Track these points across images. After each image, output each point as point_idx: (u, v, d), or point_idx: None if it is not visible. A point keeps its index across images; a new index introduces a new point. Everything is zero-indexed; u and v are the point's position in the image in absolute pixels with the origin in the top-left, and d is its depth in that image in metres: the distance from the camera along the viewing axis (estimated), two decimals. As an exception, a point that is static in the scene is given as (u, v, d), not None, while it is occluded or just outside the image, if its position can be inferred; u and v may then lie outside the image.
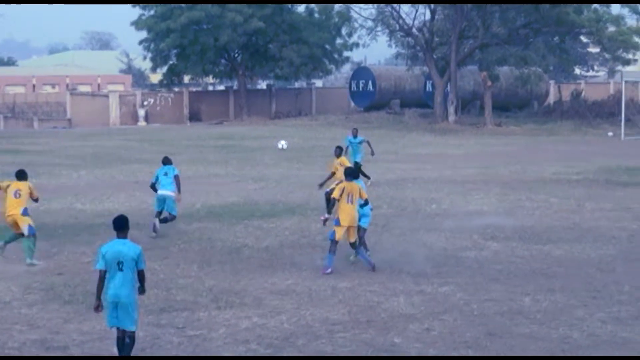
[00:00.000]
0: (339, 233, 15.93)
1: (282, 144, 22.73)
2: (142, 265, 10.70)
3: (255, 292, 14.68)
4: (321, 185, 21.49)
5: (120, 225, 10.75)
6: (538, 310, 13.55)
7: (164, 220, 19.57)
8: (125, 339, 10.83)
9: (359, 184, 16.36)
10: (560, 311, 13.50)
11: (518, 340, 12.15)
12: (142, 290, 10.90)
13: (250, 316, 13.31)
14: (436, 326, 12.77)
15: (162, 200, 19.64)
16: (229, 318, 13.23)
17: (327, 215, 16.55)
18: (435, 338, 12.26)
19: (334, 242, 16.00)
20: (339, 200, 15.88)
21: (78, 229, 20.40)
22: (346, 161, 21.75)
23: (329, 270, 15.89)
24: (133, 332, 10.81)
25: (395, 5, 55.64)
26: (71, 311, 13.65)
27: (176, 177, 19.80)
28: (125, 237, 10.75)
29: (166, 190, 19.66)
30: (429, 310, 13.59)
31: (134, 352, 11.20)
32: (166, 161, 20.23)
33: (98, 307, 10.79)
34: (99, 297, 10.77)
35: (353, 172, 16.66)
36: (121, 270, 10.56)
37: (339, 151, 22.03)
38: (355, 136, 27.41)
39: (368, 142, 27.73)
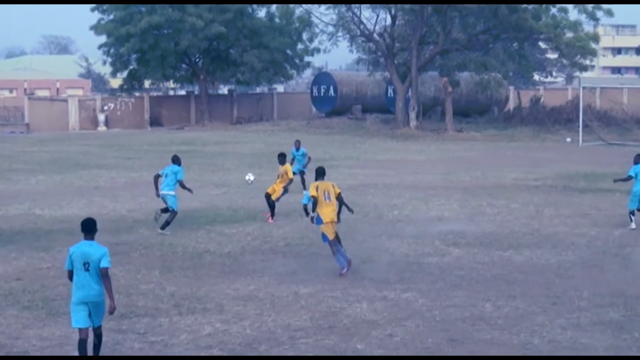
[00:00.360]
0: (329, 231, 16.30)
1: (250, 177, 22.76)
2: (105, 264, 10.90)
3: (217, 298, 14.63)
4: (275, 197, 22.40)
5: (88, 227, 11.06)
6: (499, 316, 13.64)
7: (165, 210, 20.62)
8: (94, 339, 11.06)
9: (333, 183, 16.87)
10: (521, 317, 13.60)
11: (479, 346, 12.22)
12: (103, 280, 11.02)
13: (212, 322, 13.26)
14: (399, 332, 12.80)
15: (164, 199, 20.56)
16: (191, 324, 13.17)
17: (312, 214, 16.73)
18: (398, 344, 12.29)
19: (332, 242, 16.34)
20: (317, 198, 16.30)
21: (37, 235, 20.20)
22: (290, 169, 22.86)
23: (345, 270, 16.16)
24: (100, 327, 11.12)
25: (356, 11, 55.75)
26: (30, 317, 13.53)
27: (180, 183, 20.69)
28: (92, 238, 11.04)
29: (165, 191, 20.47)
30: (391, 316, 13.62)
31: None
32: (174, 160, 20.91)
33: None
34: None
35: (322, 171, 16.95)
36: (87, 270, 10.84)
37: (282, 159, 22.64)
38: (297, 149, 27.61)
39: (309, 157, 27.74)
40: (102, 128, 59.46)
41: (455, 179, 31.47)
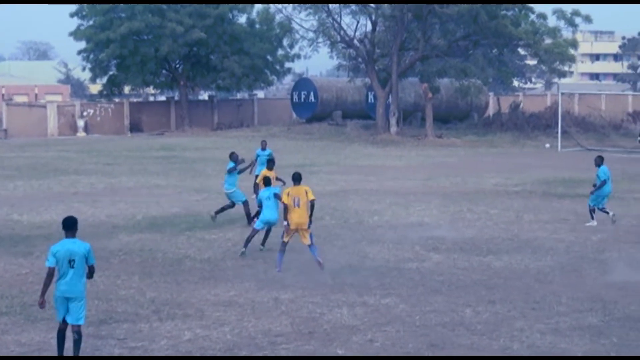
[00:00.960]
0: (287, 234, 16.95)
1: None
2: (92, 261, 11.29)
3: (197, 304, 14.60)
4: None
5: (69, 225, 11.33)
6: (479, 321, 13.68)
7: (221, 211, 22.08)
8: (74, 335, 11.23)
9: (306, 187, 17.14)
10: (501, 322, 13.64)
11: (459, 351, 12.25)
12: (90, 276, 11.39)
13: (193, 328, 13.23)
14: (379, 337, 12.81)
15: (229, 197, 21.97)
16: (171, 330, 13.14)
17: (285, 223, 17.20)
18: (378, 349, 12.30)
19: (283, 242, 17.02)
20: (287, 204, 16.88)
21: (15, 241, 20.09)
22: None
23: (278, 269, 16.83)
24: (80, 327, 11.30)
25: (336, 17, 55.85)
26: (9, 322, 13.46)
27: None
28: (73, 236, 11.29)
29: (225, 189, 22.14)
30: (371, 321, 13.63)
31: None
32: (230, 157, 22.19)
33: (42, 304, 11.22)
34: (43, 294, 11.18)
35: (298, 177, 17.23)
36: (72, 267, 11.12)
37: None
38: (264, 149, 27.48)
39: (273, 158, 27.26)
40: (81, 134, 59.22)
41: (435, 184, 31.55)
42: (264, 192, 18.46)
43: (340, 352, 12.14)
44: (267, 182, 18.89)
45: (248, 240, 18.58)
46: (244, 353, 12.09)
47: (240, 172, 22.74)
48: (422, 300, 14.89)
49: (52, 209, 24.89)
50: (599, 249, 19.55)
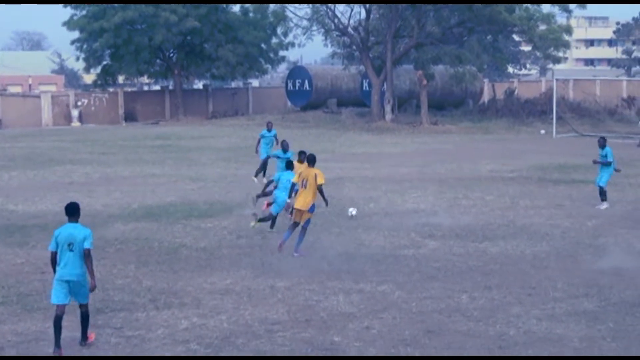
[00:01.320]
0: (294, 215, 17.32)
1: (352, 211, 22.17)
2: (88, 245, 11.53)
3: (194, 292, 14.61)
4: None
5: (72, 210, 11.75)
6: (475, 307, 13.70)
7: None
8: (80, 315, 11.77)
9: (316, 170, 17.26)
10: (497, 308, 13.67)
11: (456, 337, 12.28)
12: (86, 261, 11.56)
13: (189, 316, 13.24)
14: (375, 324, 12.83)
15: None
16: (168, 318, 13.15)
17: (287, 200, 17.83)
18: (375, 336, 12.32)
19: (291, 225, 17.41)
20: (296, 183, 17.37)
21: (10, 231, 20.07)
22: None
23: (280, 242, 17.27)
24: (86, 305, 11.74)
25: (330, 5, 55.70)
26: (5, 312, 13.47)
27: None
28: (76, 221, 11.69)
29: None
30: (368, 308, 13.65)
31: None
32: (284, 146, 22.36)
33: None
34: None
35: (312, 159, 17.49)
36: (72, 250, 11.50)
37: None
38: (269, 130, 28.41)
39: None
40: (75, 124, 59.09)
41: (430, 171, 31.56)
42: (286, 174, 19.09)
43: (337, 340, 12.15)
44: (290, 165, 19.13)
45: (272, 221, 19.56)
46: (240, 341, 12.10)
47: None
48: (418, 287, 14.91)
49: (47, 199, 24.86)
50: (594, 234, 19.59)
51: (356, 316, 13.24)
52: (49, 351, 11.50)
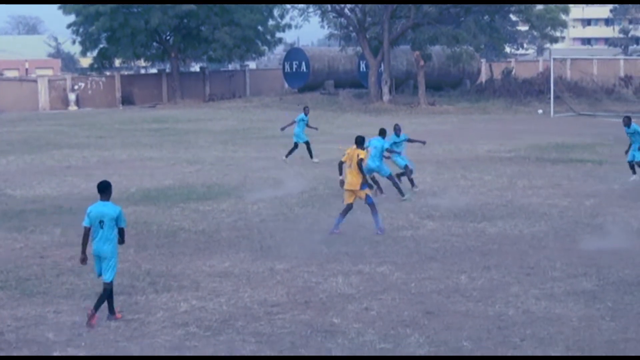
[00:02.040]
0: (345, 197, 17.71)
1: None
2: (122, 224, 12.11)
3: (193, 275, 14.63)
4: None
5: (103, 188, 12.26)
6: (474, 287, 13.73)
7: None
8: (102, 291, 12.17)
9: (359, 151, 17.67)
10: (496, 288, 13.70)
11: (455, 317, 12.30)
12: (121, 241, 12.19)
13: (189, 299, 13.26)
14: (375, 305, 12.85)
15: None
16: (167, 301, 13.17)
17: (340, 177, 18.26)
18: (374, 317, 12.34)
19: (345, 205, 17.63)
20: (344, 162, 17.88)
21: (9, 216, 20.07)
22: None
23: (337, 230, 17.45)
24: (109, 283, 12.07)
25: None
26: (4, 297, 13.49)
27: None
28: (107, 199, 12.19)
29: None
30: (367, 290, 13.67)
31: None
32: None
33: (84, 260, 12.17)
34: (83, 251, 12.11)
35: (360, 140, 17.97)
36: (102, 228, 11.98)
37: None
38: (306, 114, 29.30)
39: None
40: (73, 108, 59.00)
41: (428, 152, 31.50)
42: (373, 142, 20.73)
43: (336, 321, 12.17)
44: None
45: (399, 188, 21.20)
46: (240, 324, 12.12)
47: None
48: (417, 268, 14.94)
49: (45, 183, 24.84)
50: (592, 213, 19.61)
51: (355, 297, 13.26)
52: (49, 335, 11.48)
